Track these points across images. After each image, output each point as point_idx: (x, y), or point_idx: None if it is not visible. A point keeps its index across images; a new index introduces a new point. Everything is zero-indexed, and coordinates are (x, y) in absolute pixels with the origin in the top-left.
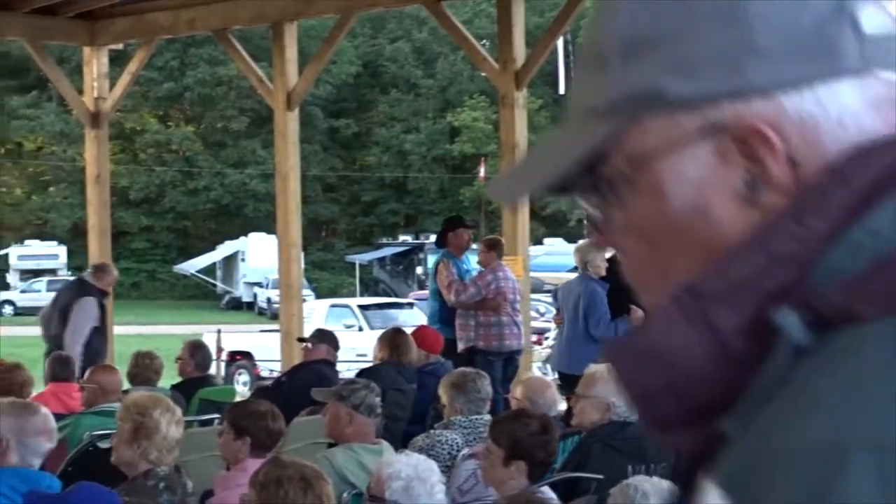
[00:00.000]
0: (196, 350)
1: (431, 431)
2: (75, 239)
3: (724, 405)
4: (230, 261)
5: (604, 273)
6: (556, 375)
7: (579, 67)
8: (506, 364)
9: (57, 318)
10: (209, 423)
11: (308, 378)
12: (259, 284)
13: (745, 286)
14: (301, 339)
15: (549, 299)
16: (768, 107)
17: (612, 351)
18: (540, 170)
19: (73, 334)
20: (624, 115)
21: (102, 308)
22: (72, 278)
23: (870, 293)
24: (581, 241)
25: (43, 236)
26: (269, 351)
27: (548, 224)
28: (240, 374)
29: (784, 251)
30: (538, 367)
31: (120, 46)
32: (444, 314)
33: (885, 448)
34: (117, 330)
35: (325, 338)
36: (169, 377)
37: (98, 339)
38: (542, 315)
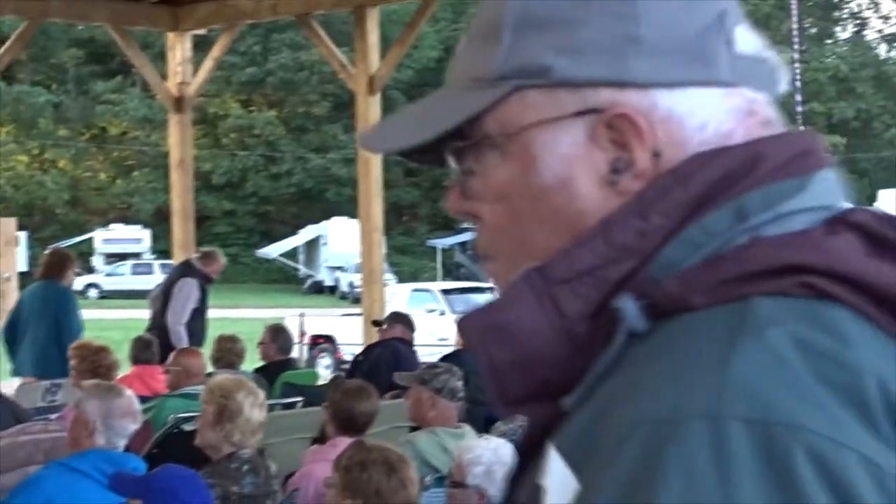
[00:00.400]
0: (277, 334)
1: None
2: (159, 223)
3: (568, 384)
4: (312, 245)
5: None
6: None
7: (468, 38)
8: None
9: (161, 298)
10: (292, 406)
11: (384, 353)
12: (341, 269)
13: (590, 274)
14: (375, 323)
15: None
16: (642, 99)
17: (464, 323)
18: (416, 127)
19: (173, 314)
20: (509, 86)
21: (204, 292)
22: (173, 262)
23: (701, 285)
24: None
25: (127, 220)
26: (351, 335)
27: None
28: (322, 357)
29: (625, 243)
30: None
31: (203, 32)
32: None
33: (716, 417)
34: None
35: (399, 319)
36: (252, 361)
37: (198, 321)
38: None
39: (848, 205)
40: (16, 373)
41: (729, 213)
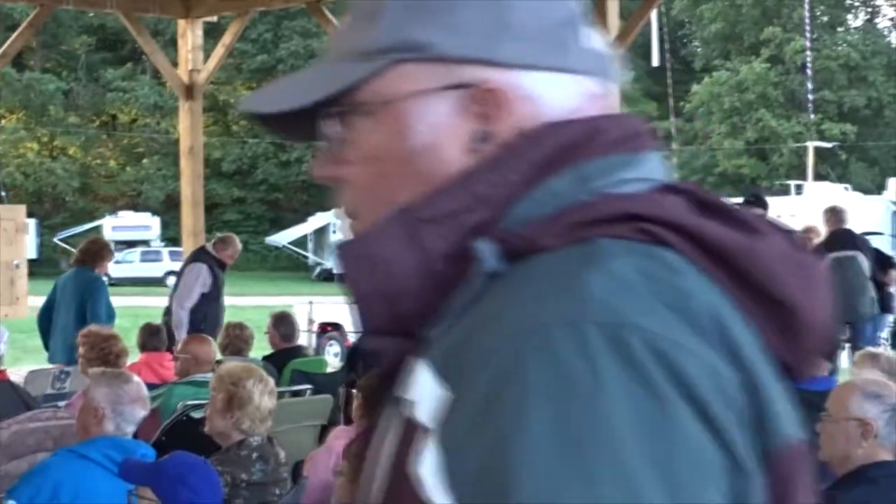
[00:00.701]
0: (279, 322)
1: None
2: (168, 210)
3: (427, 316)
4: (321, 233)
5: None
6: None
7: (352, 15)
8: None
9: (175, 285)
10: (301, 393)
11: None
12: None
13: (451, 217)
14: None
15: None
16: (508, 78)
17: (341, 250)
18: (299, 92)
19: (177, 299)
20: (389, 58)
21: (215, 277)
22: (182, 249)
23: (553, 229)
24: None
25: (137, 207)
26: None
27: None
28: (330, 345)
29: (482, 193)
30: None
31: (214, 19)
32: None
33: (574, 322)
34: None
35: None
36: (263, 349)
37: (208, 306)
38: None
39: (671, 180)
40: (50, 359)
41: (573, 176)
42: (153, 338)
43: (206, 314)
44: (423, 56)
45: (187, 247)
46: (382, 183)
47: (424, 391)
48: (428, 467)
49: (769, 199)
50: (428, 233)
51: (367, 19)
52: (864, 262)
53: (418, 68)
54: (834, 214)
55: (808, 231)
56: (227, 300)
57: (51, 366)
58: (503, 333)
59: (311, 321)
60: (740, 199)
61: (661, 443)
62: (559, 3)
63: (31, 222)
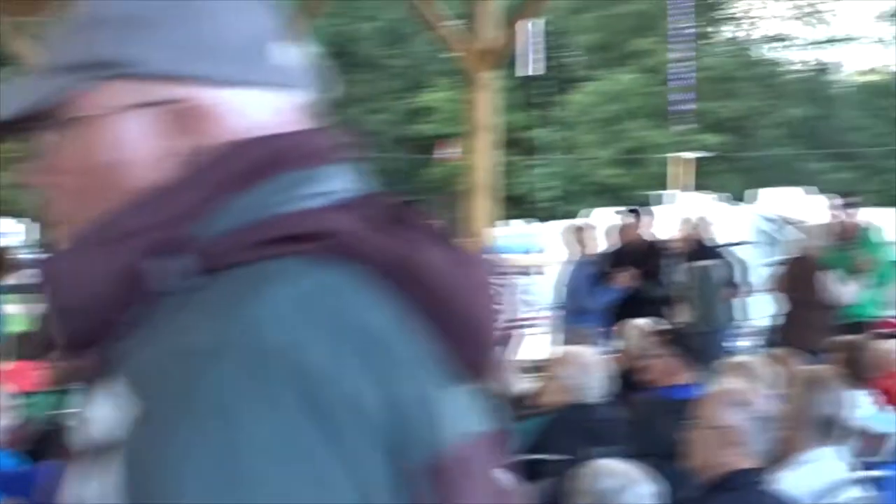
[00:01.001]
0: None
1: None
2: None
3: (116, 332)
4: None
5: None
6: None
7: (60, 28)
8: None
9: None
10: None
11: None
12: None
13: (139, 235)
14: None
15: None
16: (204, 95)
17: (42, 267)
18: (2, 102)
19: None
20: (91, 74)
21: None
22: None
23: (244, 245)
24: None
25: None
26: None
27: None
28: None
29: (169, 212)
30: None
31: None
32: None
33: (223, 349)
34: None
35: None
36: None
37: None
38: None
39: (362, 192)
40: None
41: (256, 193)
42: (25, 346)
43: None
44: (123, 73)
45: None
46: (83, 195)
47: (105, 408)
48: (107, 483)
49: (649, 209)
50: (115, 251)
51: (73, 34)
52: (720, 272)
53: (118, 85)
54: (691, 225)
55: (677, 241)
56: None
57: None
58: (166, 355)
59: None
60: (619, 210)
61: (291, 469)
62: (254, 22)
63: None
